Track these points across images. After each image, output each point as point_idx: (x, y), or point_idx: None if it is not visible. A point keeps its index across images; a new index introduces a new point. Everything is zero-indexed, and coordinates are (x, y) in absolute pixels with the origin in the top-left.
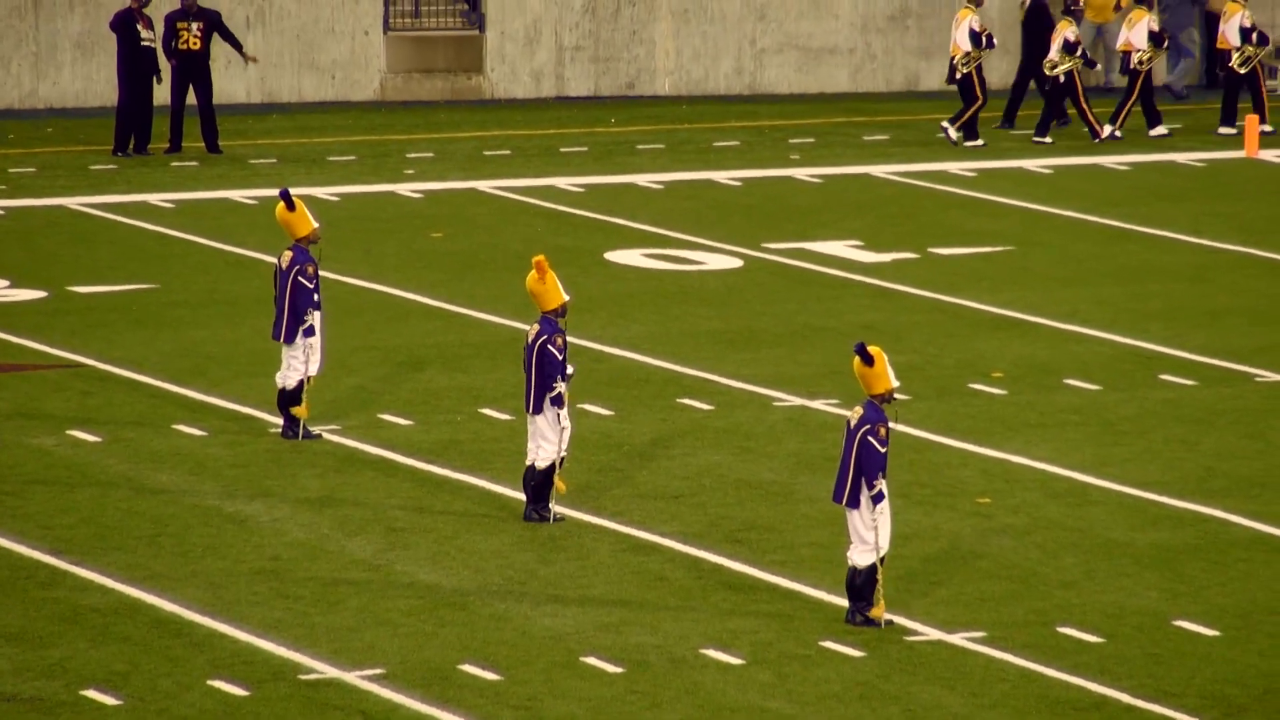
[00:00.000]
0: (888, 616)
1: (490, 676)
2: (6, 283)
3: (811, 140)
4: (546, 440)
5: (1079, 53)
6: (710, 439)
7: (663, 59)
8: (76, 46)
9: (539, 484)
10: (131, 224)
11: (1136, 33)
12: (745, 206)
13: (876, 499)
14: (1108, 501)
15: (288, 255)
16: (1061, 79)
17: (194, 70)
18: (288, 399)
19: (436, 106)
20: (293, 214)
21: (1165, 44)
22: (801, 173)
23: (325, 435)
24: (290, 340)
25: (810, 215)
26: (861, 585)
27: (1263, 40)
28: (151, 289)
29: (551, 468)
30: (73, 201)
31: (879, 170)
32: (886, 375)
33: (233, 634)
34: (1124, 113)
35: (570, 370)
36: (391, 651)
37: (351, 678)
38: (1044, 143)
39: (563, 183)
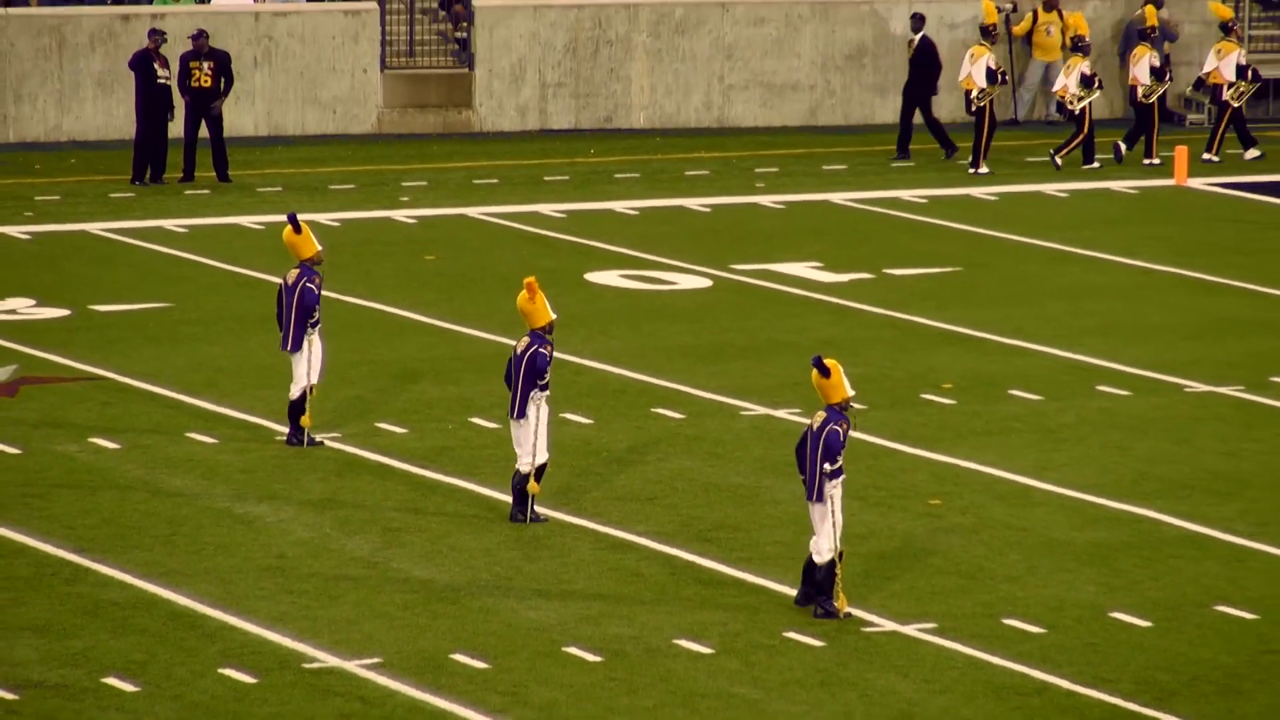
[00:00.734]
0: (847, 609)
1: (479, 665)
2: (33, 302)
3: (775, 170)
4: (524, 441)
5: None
6: (682, 445)
7: (638, 95)
8: (98, 84)
9: (522, 487)
10: (148, 247)
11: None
12: (714, 231)
13: (836, 474)
14: (1049, 503)
15: (294, 273)
16: (1077, 110)
17: (206, 106)
18: (296, 409)
19: (429, 139)
20: (299, 236)
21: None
22: (766, 200)
23: (326, 442)
24: (298, 348)
25: (774, 239)
26: (823, 580)
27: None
28: (166, 308)
29: (536, 470)
30: (94, 227)
31: (837, 197)
32: (843, 386)
33: (242, 626)
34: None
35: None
36: (388, 642)
37: (351, 666)
38: (1094, 167)
39: (546, 209)
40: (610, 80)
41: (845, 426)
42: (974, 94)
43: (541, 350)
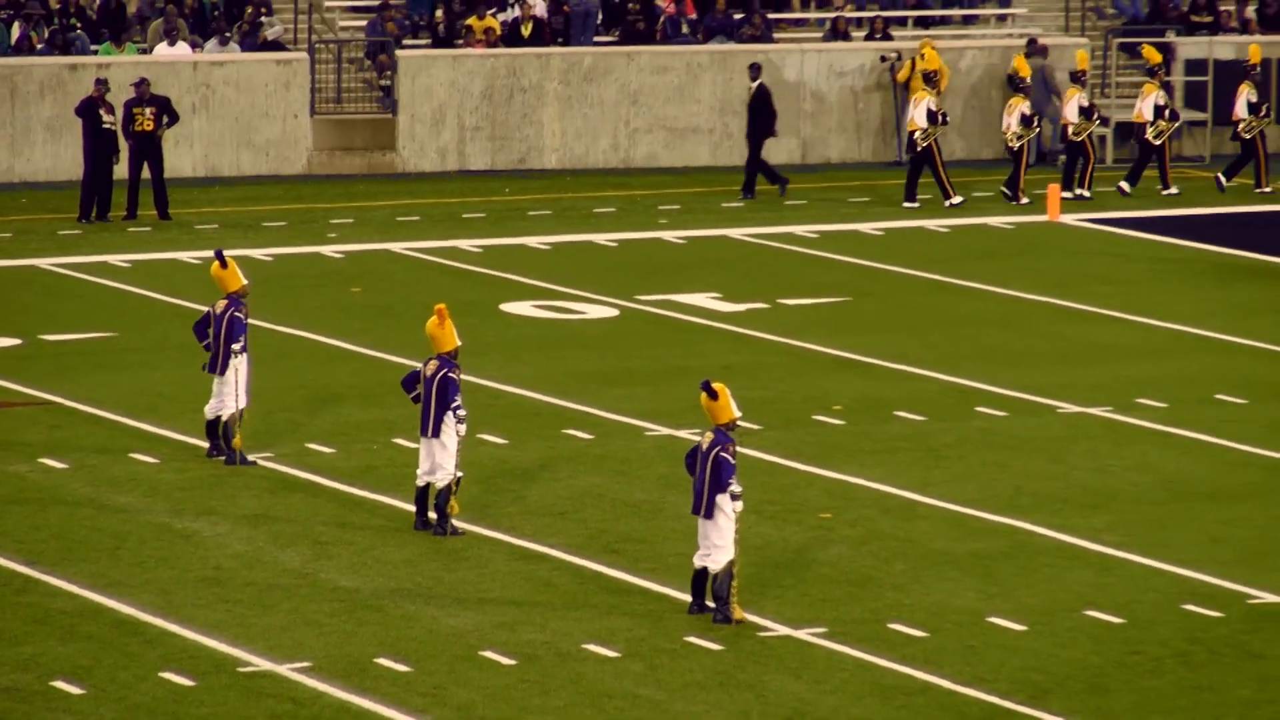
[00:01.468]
0: (743, 615)
1: (402, 668)
2: None
3: (677, 207)
4: (443, 462)
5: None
6: (590, 464)
7: (550, 138)
8: (47, 129)
9: (444, 502)
10: (94, 281)
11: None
12: (620, 264)
13: (734, 498)
14: (932, 516)
15: (222, 304)
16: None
17: (148, 148)
18: (222, 430)
19: (356, 179)
20: (225, 271)
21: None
22: (669, 235)
23: (259, 462)
24: (222, 372)
25: (676, 271)
26: (720, 588)
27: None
28: (111, 337)
29: (448, 488)
30: (44, 262)
31: (735, 232)
32: (729, 408)
33: (181, 633)
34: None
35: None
36: (317, 647)
37: (283, 670)
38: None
39: (464, 244)
40: (524, 124)
41: (732, 447)
42: (917, 134)
43: (451, 375)
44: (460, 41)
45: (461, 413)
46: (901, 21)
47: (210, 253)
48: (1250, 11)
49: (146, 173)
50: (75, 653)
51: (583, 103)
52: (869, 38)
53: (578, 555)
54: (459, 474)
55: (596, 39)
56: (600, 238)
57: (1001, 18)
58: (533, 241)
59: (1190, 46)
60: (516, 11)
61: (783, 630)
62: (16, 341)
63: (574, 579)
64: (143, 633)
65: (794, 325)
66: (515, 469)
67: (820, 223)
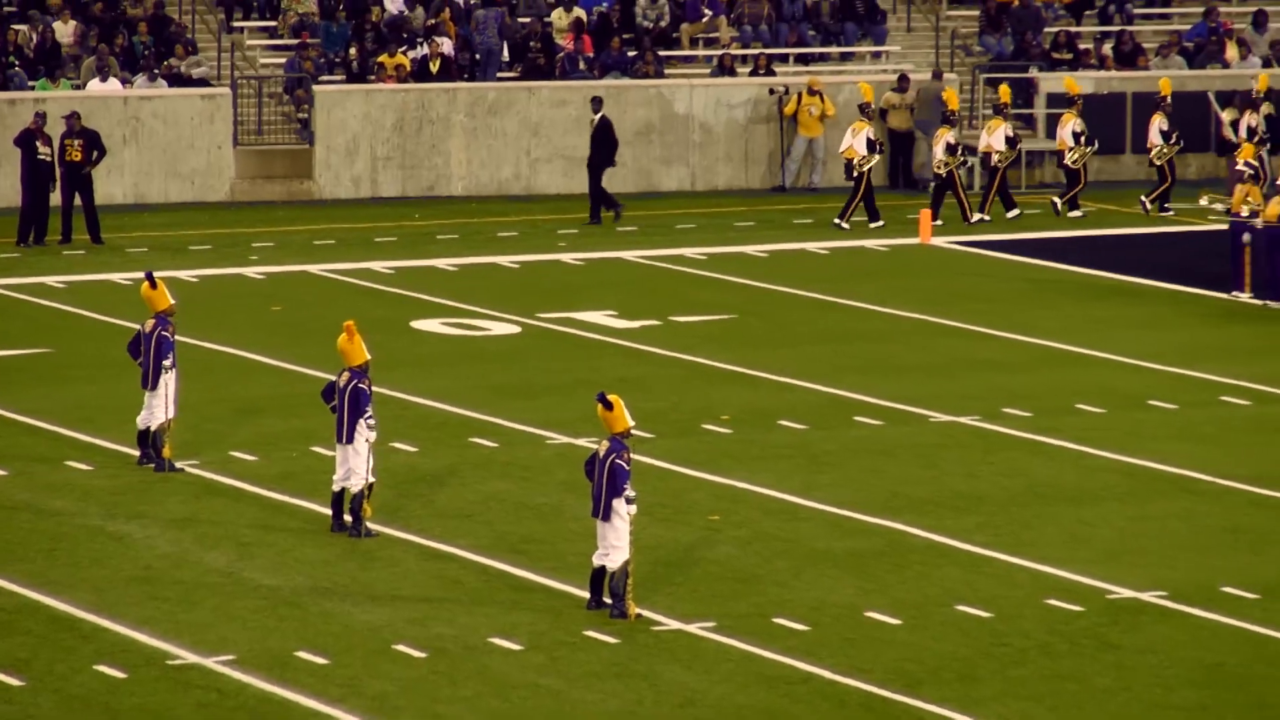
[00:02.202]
0: (637, 611)
1: (320, 661)
2: None
3: (575, 231)
4: (356, 468)
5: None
6: (495, 470)
7: (457, 166)
8: None
9: (357, 504)
10: (32, 301)
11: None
12: (523, 284)
13: (629, 501)
14: (813, 518)
15: (150, 323)
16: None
17: (78, 178)
18: (152, 439)
19: (276, 206)
20: (154, 292)
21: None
22: (567, 257)
23: (186, 469)
24: (154, 387)
25: (575, 291)
26: (616, 585)
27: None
28: (49, 353)
29: (362, 492)
30: None
31: (629, 254)
32: (624, 418)
33: (114, 628)
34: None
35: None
36: (241, 641)
37: (209, 663)
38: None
39: (378, 266)
40: (432, 154)
41: (627, 454)
42: (855, 161)
43: (361, 386)
44: (373, 77)
45: (372, 421)
46: (784, 58)
47: (140, 274)
48: (1107, 49)
49: (79, 200)
50: (14, 646)
51: (487, 134)
52: (754, 73)
53: (484, 555)
54: (372, 479)
55: (500, 75)
56: (504, 259)
57: (876, 55)
58: (441, 263)
59: (1051, 81)
60: (425, 49)
61: (674, 624)
62: None
63: (480, 577)
64: (78, 628)
65: (685, 341)
66: (425, 475)
67: (709, 245)
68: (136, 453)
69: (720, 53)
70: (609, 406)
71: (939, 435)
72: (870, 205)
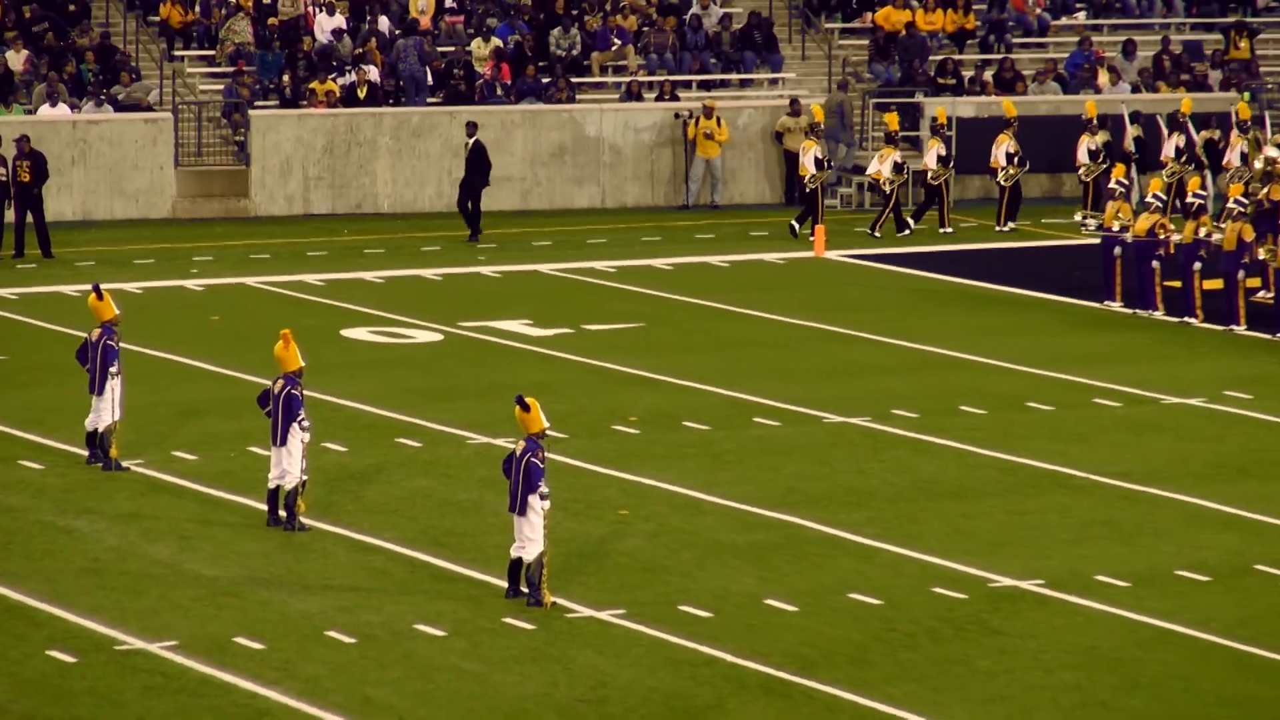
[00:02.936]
0: (552, 599)
1: (257, 646)
2: None
3: (494, 245)
4: (290, 467)
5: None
6: (419, 468)
7: (383, 185)
8: None
9: (291, 501)
10: None
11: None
12: (445, 295)
13: (543, 497)
14: (716, 512)
15: (97, 332)
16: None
17: (28, 196)
18: (99, 440)
19: (215, 222)
20: (101, 302)
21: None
22: (487, 269)
23: (132, 468)
24: (100, 392)
25: (493, 301)
26: (532, 575)
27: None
28: (2, 360)
29: (295, 489)
30: None
31: (544, 267)
32: (540, 419)
33: (64, 616)
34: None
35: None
36: (183, 628)
37: (154, 648)
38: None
39: (310, 278)
40: (360, 174)
41: (541, 453)
42: (806, 178)
43: (294, 391)
44: (305, 102)
45: (306, 424)
46: (687, 85)
47: (88, 286)
48: (988, 75)
49: (30, 217)
50: None
51: (411, 155)
52: (659, 99)
53: (409, 547)
54: (305, 477)
55: (428, 100)
56: (427, 272)
57: (773, 81)
58: (368, 276)
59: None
60: (353, 77)
61: (587, 612)
62: None
63: (406, 568)
64: (30, 616)
65: (595, 348)
66: (354, 473)
67: (618, 259)
68: (85, 453)
69: (628, 80)
70: (526, 408)
71: (832, 435)
72: (819, 215)
